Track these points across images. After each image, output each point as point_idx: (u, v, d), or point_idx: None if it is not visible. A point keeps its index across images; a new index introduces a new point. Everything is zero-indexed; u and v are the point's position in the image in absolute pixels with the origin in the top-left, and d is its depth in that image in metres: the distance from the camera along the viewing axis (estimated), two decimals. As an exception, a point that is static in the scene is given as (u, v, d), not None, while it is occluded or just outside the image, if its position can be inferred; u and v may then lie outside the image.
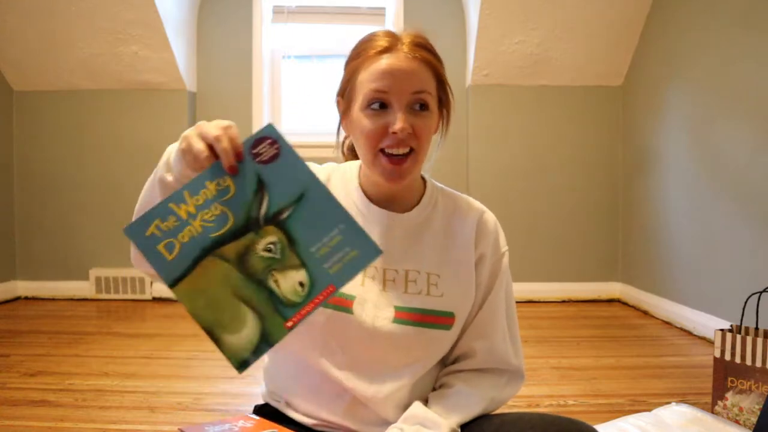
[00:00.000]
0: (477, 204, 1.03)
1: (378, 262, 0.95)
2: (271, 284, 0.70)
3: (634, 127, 3.43)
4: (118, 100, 3.52)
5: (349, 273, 0.71)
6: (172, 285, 0.70)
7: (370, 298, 0.92)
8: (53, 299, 3.49)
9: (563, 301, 3.53)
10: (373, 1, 3.71)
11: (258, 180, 0.72)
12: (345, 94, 0.95)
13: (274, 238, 0.71)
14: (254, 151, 0.73)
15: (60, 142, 3.53)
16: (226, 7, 3.63)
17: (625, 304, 3.47)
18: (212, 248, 0.71)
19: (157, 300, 3.50)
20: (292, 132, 3.69)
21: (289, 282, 0.70)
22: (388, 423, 0.93)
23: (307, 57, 3.81)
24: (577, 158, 3.56)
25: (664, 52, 3.10)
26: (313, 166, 1.03)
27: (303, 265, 0.71)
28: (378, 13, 3.72)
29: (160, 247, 0.71)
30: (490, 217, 1.01)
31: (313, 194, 0.72)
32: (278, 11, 3.68)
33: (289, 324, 0.70)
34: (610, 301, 3.55)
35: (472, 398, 0.93)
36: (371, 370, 0.92)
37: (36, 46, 3.30)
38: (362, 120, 0.90)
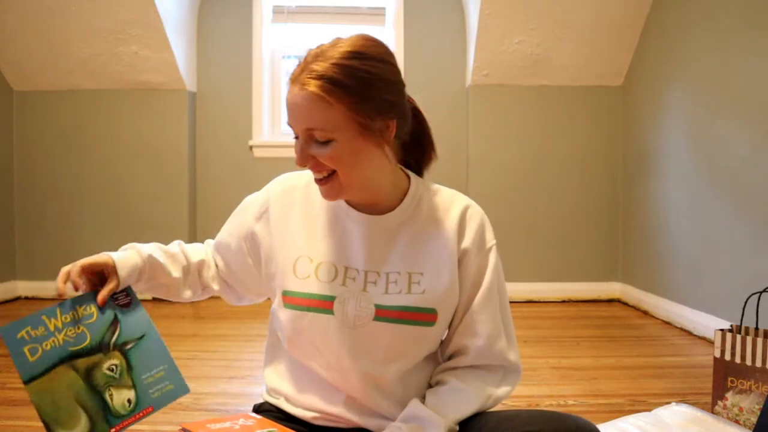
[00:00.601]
0: (462, 199, 1.01)
1: (359, 265, 0.95)
2: (107, 397, 0.87)
3: (634, 127, 3.43)
4: (118, 100, 3.52)
5: (166, 400, 0.92)
6: (27, 382, 0.83)
7: (350, 298, 0.93)
8: (53, 299, 3.49)
9: (563, 301, 3.53)
10: (373, 1, 3.70)
11: (114, 316, 0.93)
12: None
13: (117, 361, 0.90)
14: (115, 295, 0.95)
15: (60, 142, 3.53)
16: (226, 7, 3.63)
17: (625, 304, 3.47)
18: (68, 358, 0.87)
19: (156, 300, 3.50)
20: (291, 132, 3.67)
21: (121, 397, 0.88)
22: (385, 416, 0.94)
23: (307, 57, 3.81)
24: (577, 158, 3.56)
25: (664, 52, 3.10)
26: (297, 173, 1.04)
27: (134, 386, 0.90)
28: (378, 13, 3.71)
29: (26, 349, 0.84)
30: (474, 211, 0.99)
31: (150, 338, 0.95)
32: (278, 11, 3.68)
33: (113, 431, 0.85)
34: (610, 301, 3.55)
35: (467, 395, 0.93)
36: (357, 369, 0.93)
37: (36, 46, 3.30)
38: None
